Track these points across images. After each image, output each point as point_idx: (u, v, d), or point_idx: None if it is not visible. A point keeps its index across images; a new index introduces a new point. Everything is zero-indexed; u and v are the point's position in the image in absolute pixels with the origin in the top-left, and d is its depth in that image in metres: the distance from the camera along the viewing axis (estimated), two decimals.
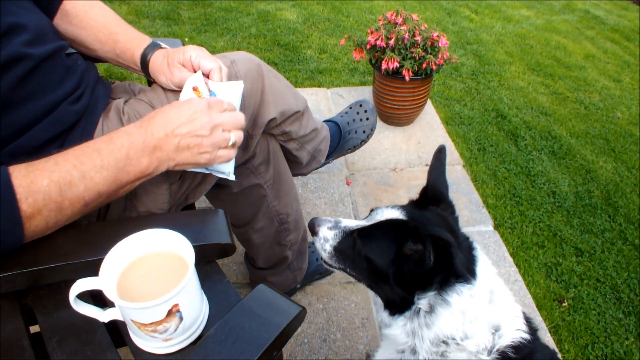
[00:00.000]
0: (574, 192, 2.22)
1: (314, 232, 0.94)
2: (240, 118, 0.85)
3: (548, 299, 1.71)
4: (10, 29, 0.77)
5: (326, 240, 0.92)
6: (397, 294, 0.83)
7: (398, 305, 0.84)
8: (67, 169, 0.70)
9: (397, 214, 0.87)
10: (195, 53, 0.92)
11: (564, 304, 1.70)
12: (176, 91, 0.96)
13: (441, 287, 0.76)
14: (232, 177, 0.96)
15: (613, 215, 2.11)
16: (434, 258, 0.73)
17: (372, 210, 0.94)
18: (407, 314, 0.82)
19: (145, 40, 1.00)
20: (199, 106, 0.79)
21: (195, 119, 0.78)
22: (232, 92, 0.91)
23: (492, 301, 0.79)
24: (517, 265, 1.81)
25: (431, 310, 0.78)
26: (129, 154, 0.74)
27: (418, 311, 0.80)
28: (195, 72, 0.92)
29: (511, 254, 1.85)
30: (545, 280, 1.78)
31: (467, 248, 0.82)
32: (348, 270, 0.94)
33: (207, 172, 0.94)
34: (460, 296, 0.76)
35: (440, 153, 0.92)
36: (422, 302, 0.79)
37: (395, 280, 0.82)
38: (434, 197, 0.90)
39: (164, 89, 0.99)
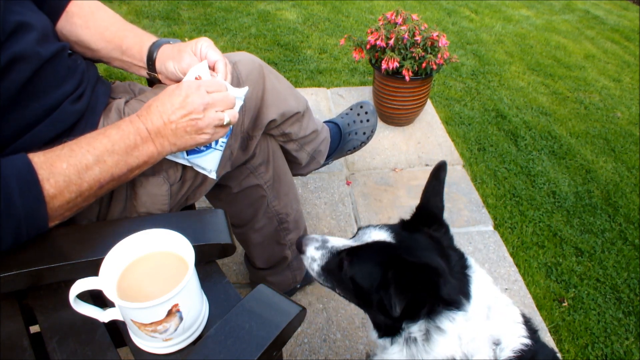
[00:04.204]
0: (574, 192, 2.22)
1: (302, 251, 0.93)
2: (231, 98, 0.86)
3: (548, 299, 1.71)
4: (19, 27, 0.79)
5: (314, 260, 0.91)
6: (381, 320, 0.83)
7: (384, 329, 0.83)
8: (82, 153, 0.74)
9: (384, 236, 0.84)
10: (206, 44, 0.94)
11: (564, 304, 1.70)
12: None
13: (429, 316, 0.76)
14: (212, 176, 0.96)
15: (613, 215, 2.11)
16: (420, 285, 0.72)
17: (359, 230, 0.92)
18: (400, 340, 0.81)
19: (154, 37, 1.01)
20: (189, 89, 0.81)
21: (187, 103, 0.80)
22: (235, 93, 0.91)
23: (489, 317, 0.78)
24: (517, 265, 1.81)
25: (427, 338, 0.77)
26: (136, 140, 0.78)
27: (415, 339, 0.79)
28: (201, 61, 0.92)
29: (511, 254, 1.85)
30: (545, 280, 1.78)
31: (460, 269, 0.81)
32: (336, 290, 0.92)
33: (188, 164, 0.94)
34: (454, 323, 0.75)
35: (438, 171, 0.88)
36: (414, 330, 0.78)
37: (379, 309, 0.81)
38: (426, 218, 0.87)
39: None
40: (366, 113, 1.53)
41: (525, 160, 2.38)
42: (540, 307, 1.67)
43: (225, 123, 0.84)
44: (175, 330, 0.67)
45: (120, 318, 0.69)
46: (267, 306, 0.68)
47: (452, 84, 2.98)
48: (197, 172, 1.00)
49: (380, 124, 2.51)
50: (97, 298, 0.76)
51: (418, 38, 2.14)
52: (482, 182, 2.20)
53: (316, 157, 1.39)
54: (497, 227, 1.97)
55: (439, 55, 2.14)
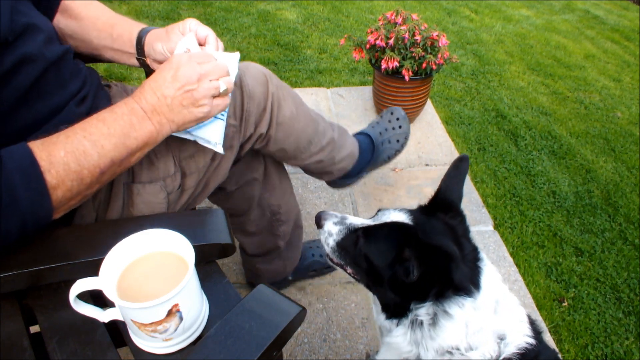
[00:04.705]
0: (574, 191, 2.22)
1: (320, 225, 0.94)
2: (223, 66, 0.84)
3: (548, 299, 1.71)
4: (27, 29, 0.79)
5: (330, 234, 0.92)
6: (391, 299, 0.83)
7: (392, 309, 0.83)
8: (78, 139, 0.72)
9: (403, 218, 0.86)
10: (194, 23, 0.93)
11: (564, 304, 1.70)
12: None
13: (438, 299, 0.76)
14: (219, 150, 0.94)
15: (613, 215, 2.11)
16: (431, 268, 0.73)
17: (379, 211, 0.93)
18: (405, 322, 0.81)
19: (143, 25, 1.00)
20: (180, 61, 0.79)
21: (179, 75, 0.78)
22: (228, 61, 0.89)
23: (497, 311, 0.78)
24: (517, 265, 1.81)
25: (434, 322, 0.77)
26: (131, 120, 0.76)
27: (421, 323, 0.79)
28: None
29: (511, 254, 1.85)
30: (545, 280, 1.78)
31: (472, 259, 0.81)
32: (348, 268, 0.93)
33: (192, 138, 0.92)
34: (462, 309, 0.75)
35: (460, 162, 0.90)
36: (421, 312, 0.78)
37: (390, 285, 0.81)
38: (443, 205, 0.88)
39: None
40: (397, 119, 1.47)
41: (525, 160, 2.38)
42: (540, 307, 1.67)
43: (221, 91, 0.82)
44: (175, 330, 0.67)
45: (120, 318, 0.69)
46: (267, 306, 0.68)
47: (452, 83, 2.98)
48: (199, 181, 1.00)
49: None
50: (97, 298, 0.76)
51: (418, 38, 2.14)
52: (482, 181, 2.20)
53: (333, 172, 1.36)
54: (497, 227, 1.97)
55: (439, 55, 2.14)
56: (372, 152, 1.45)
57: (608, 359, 1.54)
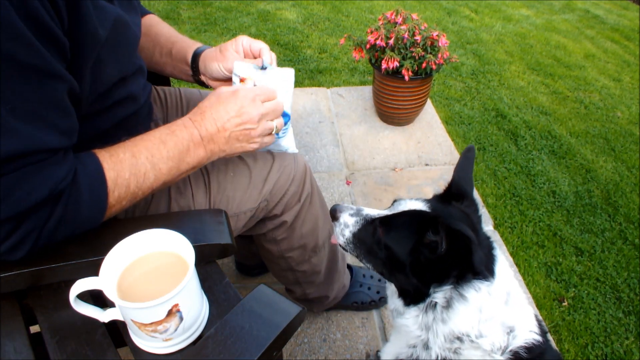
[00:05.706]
0: (573, 191, 2.22)
1: (335, 218, 0.95)
2: (281, 106, 0.88)
3: (548, 299, 1.71)
4: (138, 70, 0.86)
5: (346, 226, 0.93)
6: (412, 284, 0.83)
7: (412, 295, 0.84)
8: (142, 161, 0.74)
9: (420, 206, 0.87)
10: (247, 40, 0.99)
11: (563, 304, 1.70)
12: None
13: (457, 282, 0.76)
14: (294, 150, 1.00)
15: (613, 214, 2.11)
16: (453, 251, 0.74)
17: (395, 201, 0.94)
18: (421, 305, 0.81)
19: (199, 44, 1.06)
20: (245, 99, 0.83)
21: (243, 112, 0.82)
22: (283, 79, 0.92)
23: (508, 303, 0.79)
24: (517, 265, 1.81)
25: (448, 305, 0.77)
26: (189, 146, 0.79)
27: (434, 305, 0.79)
28: (245, 57, 0.98)
29: (511, 254, 1.85)
30: (545, 279, 1.78)
31: (487, 247, 0.82)
32: (362, 258, 0.94)
33: (266, 149, 0.98)
34: (478, 292, 0.75)
35: (468, 152, 0.92)
36: (438, 296, 0.78)
37: (412, 270, 0.82)
38: (457, 194, 0.89)
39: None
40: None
41: (525, 159, 2.38)
42: (540, 307, 1.67)
43: (274, 132, 0.88)
44: (175, 330, 0.67)
45: (120, 318, 0.69)
46: (267, 306, 0.68)
47: (452, 83, 2.98)
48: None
49: (380, 124, 2.51)
50: (97, 298, 0.76)
51: (418, 38, 2.14)
52: (482, 181, 2.20)
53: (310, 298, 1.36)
54: (497, 226, 1.97)
55: (439, 55, 2.14)
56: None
57: (608, 358, 1.54)
